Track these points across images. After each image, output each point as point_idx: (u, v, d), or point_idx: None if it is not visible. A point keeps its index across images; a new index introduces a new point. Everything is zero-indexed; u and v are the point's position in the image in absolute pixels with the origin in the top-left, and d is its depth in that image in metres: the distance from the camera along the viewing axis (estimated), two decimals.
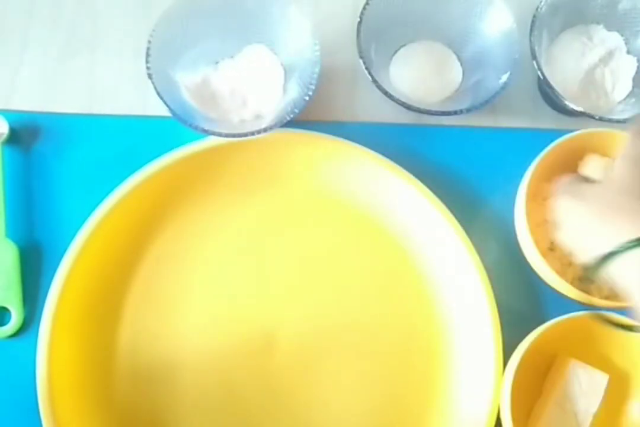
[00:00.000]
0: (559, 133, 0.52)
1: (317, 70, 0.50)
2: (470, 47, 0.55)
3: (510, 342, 0.49)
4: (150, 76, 0.49)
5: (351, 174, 0.53)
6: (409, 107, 0.51)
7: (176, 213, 0.53)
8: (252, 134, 0.49)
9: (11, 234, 0.52)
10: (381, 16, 0.53)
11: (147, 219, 0.53)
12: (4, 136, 0.53)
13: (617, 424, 0.51)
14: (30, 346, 0.49)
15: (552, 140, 0.51)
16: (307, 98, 0.49)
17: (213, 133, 0.49)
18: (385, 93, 0.51)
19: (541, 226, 0.52)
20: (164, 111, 0.49)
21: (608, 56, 0.56)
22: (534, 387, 0.51)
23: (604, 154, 0.53)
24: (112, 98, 0.56)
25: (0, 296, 0.51)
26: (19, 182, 0.54)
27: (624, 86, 0.56)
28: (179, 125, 0.49)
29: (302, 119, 0.51)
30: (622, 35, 0.56)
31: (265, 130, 0.49)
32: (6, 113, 0.54)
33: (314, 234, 0.54)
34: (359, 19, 0.52)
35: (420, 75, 0.56)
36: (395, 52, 0.57)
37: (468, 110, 0.51)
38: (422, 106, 0.51)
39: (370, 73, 0.51)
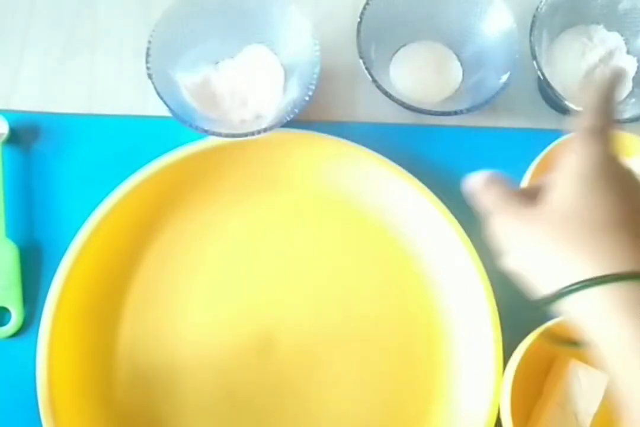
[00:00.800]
0: (559, 133, 0.52)
1: (317, 70, 0.50)
2: (470, 47, 0.55)
3: (510, 342, 0.49)
4: (150, 76, 0.49)
5: (351, 174, 0.53)
6: (409, 107, 0.51)
7: (176, 213, 0.53)
8: (252, 134, 0.49)
9: (11, 234, 0.52)
10: (381, 16, 0.53)
11: (147, 219, 0.53)
12: (4, 136, 0.53)
13: (617, 424, 0.51)
14: (30, 346, 0.49)
15: (552, 140, 0.51)
16: (307, 98, 0.49)
17: (213, 133, 0.49)
18: (385, 93, 0.51)
19: None
20: (164, 111, 0.49)
21: (608, 56, 0.56)
22: (534, 388, 0.51)
23: None
24: (112, 98, 0.56)
25: (0, 296, 0.51)
26: (19, 182, 0.54)
27: (624, 86, 0.55)
28: (179, 125, 0.49)
29: (302, 119, 0.51)
30: (622, 35, 0.56)
31: (265, 130, 0.49)
32: (6, 113, 0.54)
33: (313, 234, 0.54)
34: (359, 19, 0.52)
35: (420, 76, 0.56)
36: (395, 52, 0.57)
37: (468, 110, 0.51)
38: (422, 106, 0.51)
39: (370, 73, 0.51)
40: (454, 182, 0.55)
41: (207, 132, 0.49)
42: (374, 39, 0.53)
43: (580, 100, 0.42)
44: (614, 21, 0.56)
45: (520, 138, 0.56)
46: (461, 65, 0.56)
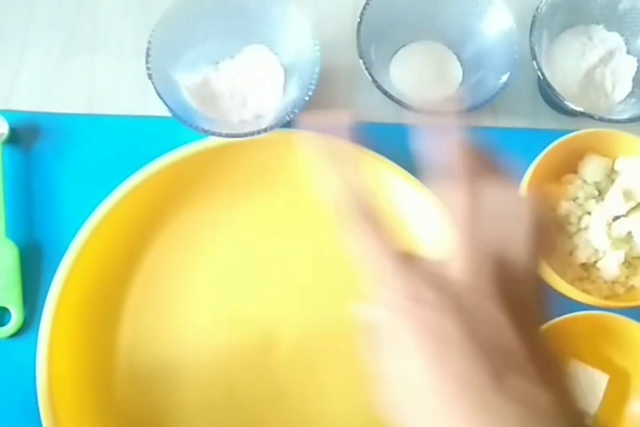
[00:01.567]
0: (559, 133, 0.52)
1: (317, 70, 0.50)
2: (470, 47, 0.55)
3: None
4: (150, 76, 0.49)
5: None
6: (408, 107, 0.51)
7: (176, 213, 0.53)
8: (252, 134, 0.49)
9: (11, 234, 0.52)
10: (381, 16, 0.53)
11: (147, 219, 0.53)
12: (4, 136, 0.53)
13: (617, 424, 0.51)
14: (30, 346, 0.49)
15: (552, 140, 0.51)
16: (307, 98, 0.49)
17: (213, 133, 0.49)
18: (385, 93, 0.51)
19: None
20: (164, 111, 0.49)
21: (608, 56, 0.56)
22: None
23: (604, 154, 0.53)
24: (112, 98, 0.56)
25: (0, 296, 0.51)
26: (19, 182, 0.54)
27: (624, 86, 0.55)
28: (179, 125, 0.49)
29: None
30: (622, 35, 0.56)
31: (265, 130, 0.49)
32: (6, 113, 0.54)
33: (313, 234, 0.54)
34: (359, 19, 0.52)
35: (420, 76, 0.56)
36: (395, 52, 0.57)
37: (468, 110, 0.51)
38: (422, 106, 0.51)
39: (370, 73, 0.51)
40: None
41: (207, 132, 0.49)
42: (374, 39, 0.53)
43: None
44: (614, 21, 0.56)
45: (520, 138, 0.56)
46: (461, 65, 0.56)
